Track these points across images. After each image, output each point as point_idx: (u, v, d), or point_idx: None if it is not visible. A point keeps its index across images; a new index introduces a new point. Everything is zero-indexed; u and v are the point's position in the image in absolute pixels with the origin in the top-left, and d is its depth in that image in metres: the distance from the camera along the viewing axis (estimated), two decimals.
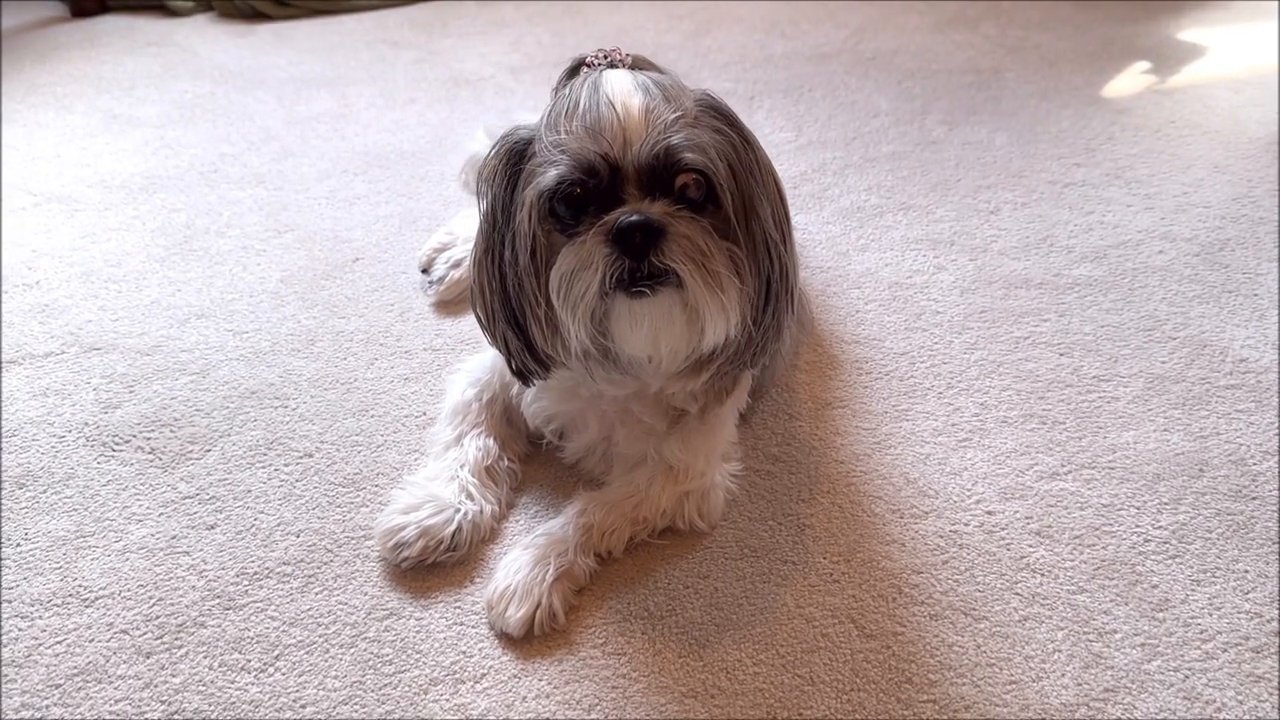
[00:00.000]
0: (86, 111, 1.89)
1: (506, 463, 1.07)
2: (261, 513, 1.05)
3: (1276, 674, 0.88)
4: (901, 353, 1.27)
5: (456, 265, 1.36)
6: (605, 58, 0.93)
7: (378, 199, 1.61)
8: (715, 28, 2.32)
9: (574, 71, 0.96)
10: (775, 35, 2.24)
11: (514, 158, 0.88)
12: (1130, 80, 2.01)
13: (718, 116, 0.87)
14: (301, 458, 1.12)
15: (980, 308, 1.35)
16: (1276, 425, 1.15)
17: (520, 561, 0.94)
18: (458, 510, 0.99)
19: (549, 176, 0.82)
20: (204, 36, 2.23)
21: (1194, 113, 1.87)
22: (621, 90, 0.83)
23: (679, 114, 0.83)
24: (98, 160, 1.72)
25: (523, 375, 0.95)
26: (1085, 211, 1.56)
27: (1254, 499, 1.06)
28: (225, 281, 1.41)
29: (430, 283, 1.37)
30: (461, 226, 1.41)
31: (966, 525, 1.03)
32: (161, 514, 1.05)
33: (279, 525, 1.03)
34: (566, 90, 0.86)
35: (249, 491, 1.08)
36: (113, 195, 1.61)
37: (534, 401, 1.05)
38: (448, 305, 1.36)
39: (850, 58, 2.11)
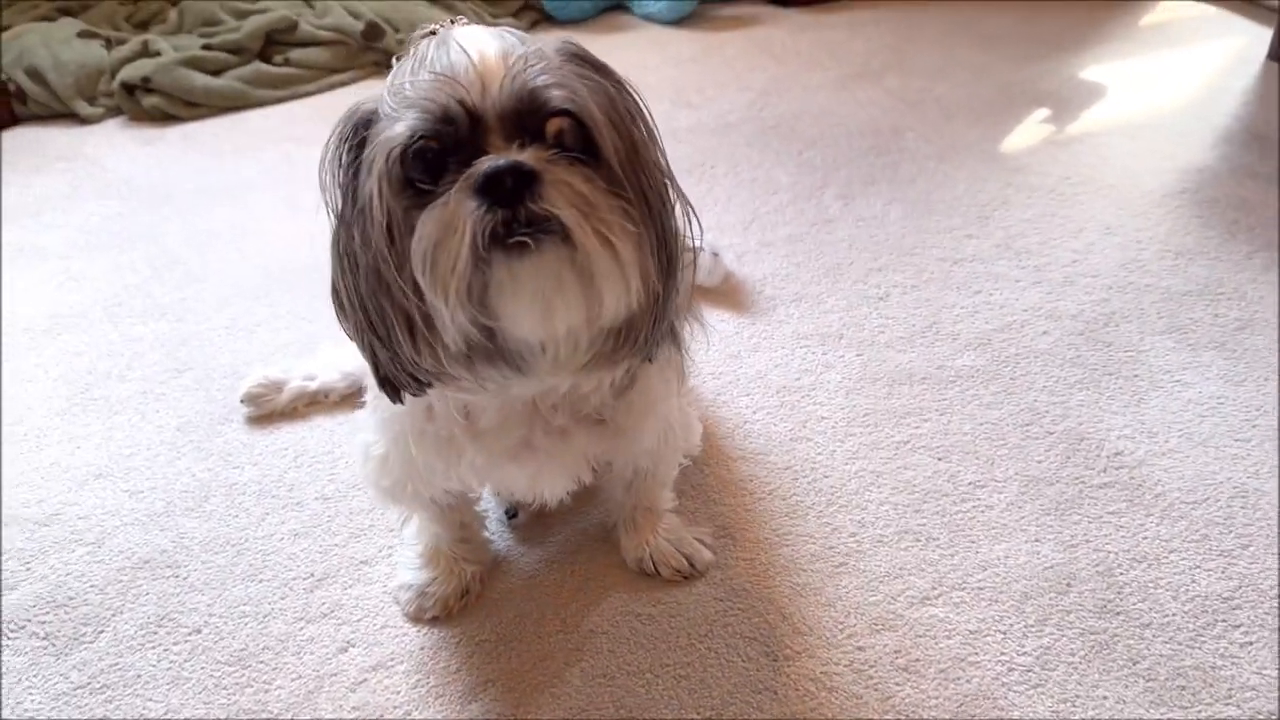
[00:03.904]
0: None
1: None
2: (150, 700, 1.06)
3: None
4: (785, 467, 1.30)
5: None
6: (452, 22, 0.82)
7: (278, 325, 1.62)
8: None
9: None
10: (680, 105, 2.25)
11: (356, 131, 0.77)
12: (1028, 132, 2.03)
13: (585, 64, 0.78)
14: (190, 634, 1.13)
15: (864, 410, 1.37)
16: (1145, 526, 1.18)
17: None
18: None
19: (398, 130, 0.71)
20: (113, 145, 2.23)
21: (1089, 166, 1.89)
22: (475, 38, 0.75)
23: (541, 57, 0.74)
24: (3, 300, 1.72)
25: (393, 389, 0.83)
26: (973, 291, 1.58)
27: (1118, 614, 1.08)
28: (124, 434, 1.42)
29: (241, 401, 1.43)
30: (305, 366, 1.46)
31: (837, 664, 1.05)
32: (53, 708, 1.06)
33: (166, 714, 1.05)
34: (413, 50, 0.78)
35: (139, 677, 1.09)
36: (17, 340, 1.62)
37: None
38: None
39: (753, 126, 2.13)
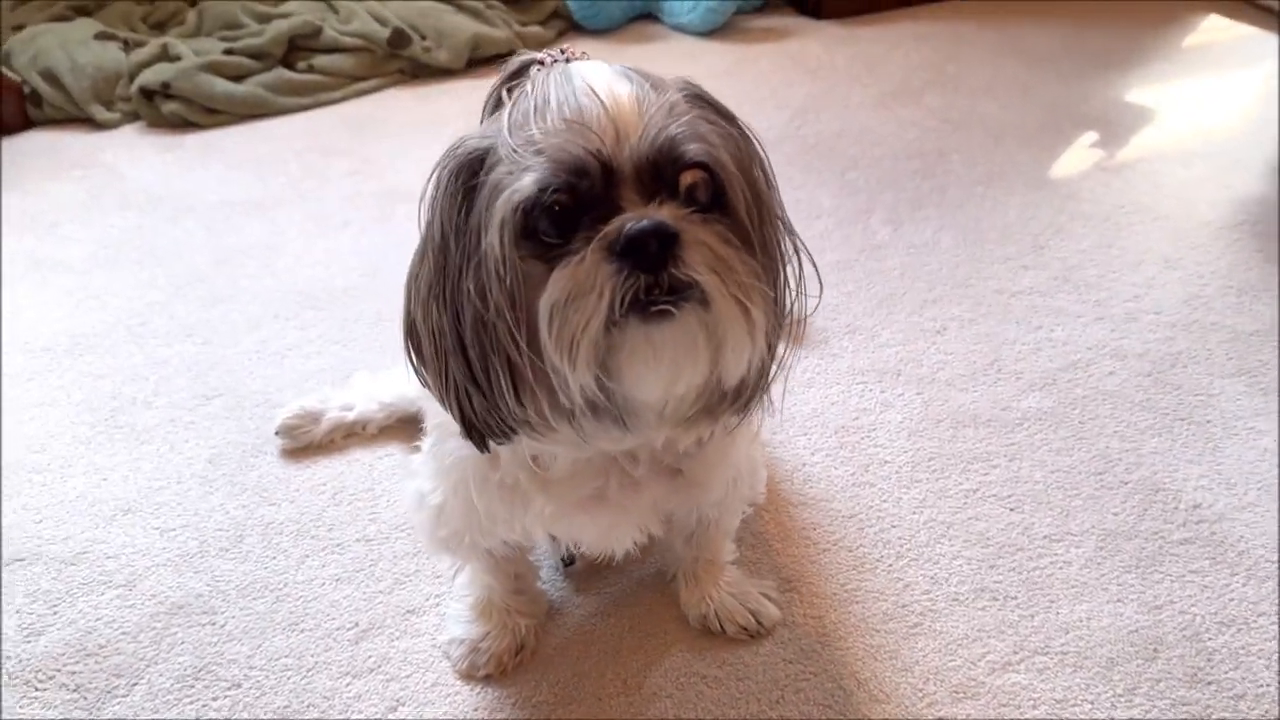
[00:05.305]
0: (8, 257, 1.82)
1: None
2: None
3: None
4: (849, 515, 1.24)
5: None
6: (563, 53, 0.78)
7: (310, 349, 1.56)
8: None
9: (518, 75, 0.79)
10: None
11: (468, 171, 0.72)
12: (1078, 157, 1.98)
13: (708, 106, 0.74)
14: (230, 689, 1.07)
15: (928, 454, 1.32)
16: (1231, 587, 1.13)
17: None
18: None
19: (526, 183, 0.67)
20: (131, 153, 2.16)
21: (1143, 194, 1.84)
22: (603, 79, 0.70)
23: (673, 104, 0.70)
24: (20, 317, 1.66)
25: (481, 438, 0.78)
26: (1034, 326, 1.53)
27: (1210, 684, 1.03)
28: (152, 465, 1.36)
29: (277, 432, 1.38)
30: (341, 396, 1.41)
31: None
32: None
33: None
34: (528, 88, 0.73)
35: None
36: (36, 361, 1.56)
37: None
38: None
39: (794, 145, 2.07)
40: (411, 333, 0.78)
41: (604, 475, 0.88)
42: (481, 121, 0.81)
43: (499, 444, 0.78)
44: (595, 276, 0.66)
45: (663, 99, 0.70)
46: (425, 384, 0.80)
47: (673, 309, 0.66)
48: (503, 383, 0.71)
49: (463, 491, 0.92)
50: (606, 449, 0.82)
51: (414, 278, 0.76)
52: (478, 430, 0.77)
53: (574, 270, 0.66)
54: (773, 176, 0.78)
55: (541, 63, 0.76)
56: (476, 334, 0.71)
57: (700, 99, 0.74)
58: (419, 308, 0.76)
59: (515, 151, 0.68)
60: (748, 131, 0.76)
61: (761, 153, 0.77)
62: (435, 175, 0.74)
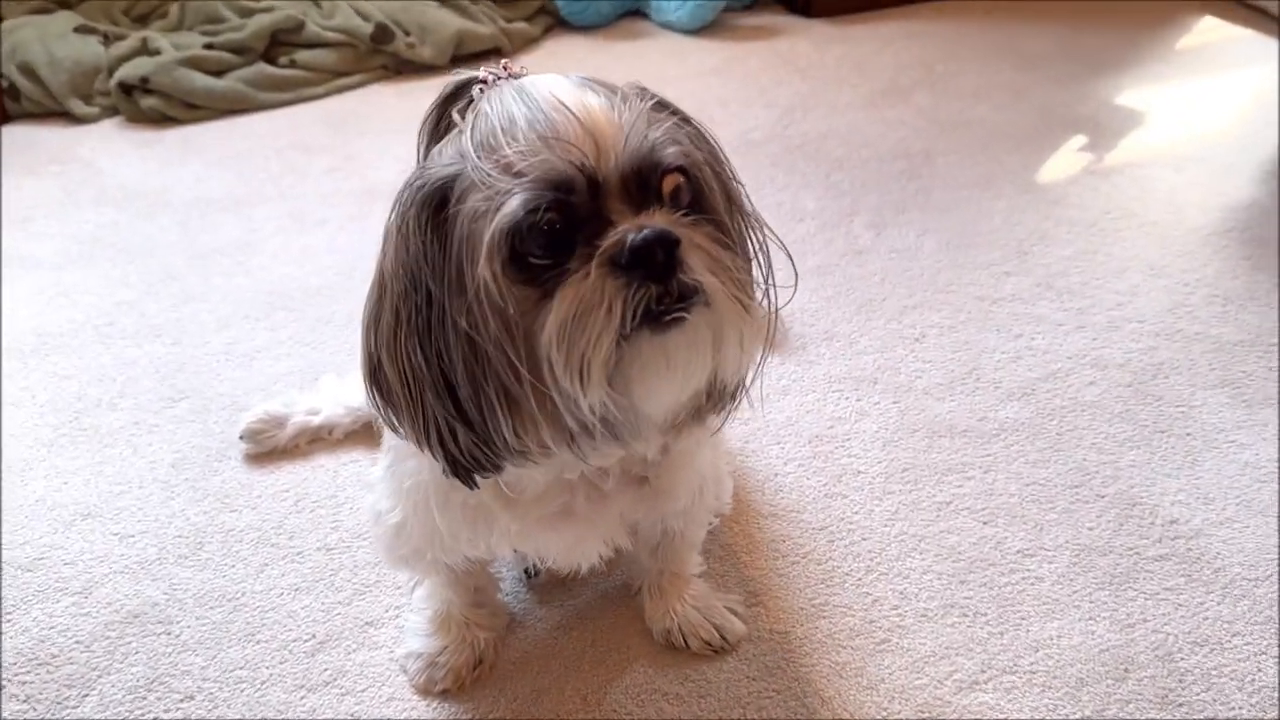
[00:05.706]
0: None
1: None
2: None
3: None
4: (820, 527, 1.22)
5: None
6: (505, 70, 0.75)
7: (279, 351, 1.54)
8: None
9: (455, 97, 0.76)
10: (704, 120, 2.16)
11: (436, 202, 0.68)
12: (1066, 161, 1.95)
13: (666, 110, 0.73)
14: (182, 701, 1.05)
15: (903, 464, 1.30)
16: (1205, 605, 1.10)
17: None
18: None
19: (513, 206, 0.64)
20: (109, 148, 2.14)
21: (1131, 199, 1.81)
22: (568, 92, 0.68)
23: (643, 110, 0.69)
24: None
25: (468, 473, 0.75)
26: (1014, 334, 1.50)
27: (1180, 705, 1.01)
28: (114, 469, 1.34)
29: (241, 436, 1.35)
30: (307, 400, 1.38)
31: None
32: None
33: None
34: (486, 108, 0.70)
35: None
36: (3, 361, 1.53)
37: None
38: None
39: (779, 145, 2.04)
40: (376, 376, 0.74)
41: (570, 491, 0.86)
42: (421, 146, 0.78)
43: (485, 477, 0.76)
44: (602, 292, 0.64)
45: (633, 107, 0.69)
46: (394, 427, 0.76)
47: (686, 315, 0.66)
48: (499, 415, 0.69)
49: (423, 511, 0.89)
50: (598, 465, 0.81)
51: (373, 319, 0.73)
52: (464, 466, 0.74)
53: (578, 288, 0.65)
54: (734, 170, 0.77)
55: (484, 81, 0.74)
56: (468, 369, 0.68)
57: (661, 103, 0.73)
58: (383, 350, 0.72)
59: (490, 176, 0.66)
60: (704, 130, 0.76)
61: (720, 149, 0.77)
62: (397, 212, 0.70)
